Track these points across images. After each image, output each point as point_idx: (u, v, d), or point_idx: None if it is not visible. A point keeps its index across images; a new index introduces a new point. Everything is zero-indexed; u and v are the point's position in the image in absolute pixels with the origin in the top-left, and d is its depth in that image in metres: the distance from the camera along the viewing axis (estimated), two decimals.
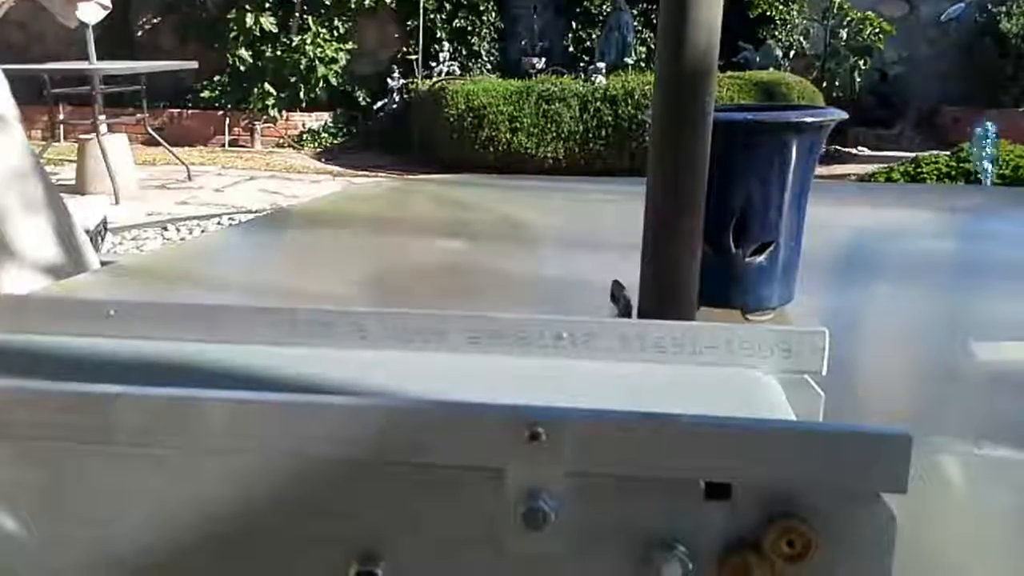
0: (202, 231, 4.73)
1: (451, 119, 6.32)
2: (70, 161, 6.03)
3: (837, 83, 7.22)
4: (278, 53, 7.65)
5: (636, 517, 0.30)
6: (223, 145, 7.81)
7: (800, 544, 0.29)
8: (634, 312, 0.64)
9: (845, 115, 0.73)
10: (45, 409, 0.32)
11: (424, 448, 0.30)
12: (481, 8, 7.58)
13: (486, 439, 0.30)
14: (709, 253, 0.69)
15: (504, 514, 0.30)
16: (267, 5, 7.63)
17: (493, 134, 6.21)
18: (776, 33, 7.24)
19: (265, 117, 7.72)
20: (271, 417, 0.31)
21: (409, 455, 0.30)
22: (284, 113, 7.76)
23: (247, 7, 7.56)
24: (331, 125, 7.82)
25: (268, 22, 7.59)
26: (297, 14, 7.74)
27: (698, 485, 0.30)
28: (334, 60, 7.65)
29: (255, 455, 0.31)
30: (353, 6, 7.64)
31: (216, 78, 7.79)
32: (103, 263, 1.56)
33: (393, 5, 7.70)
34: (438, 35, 7.59)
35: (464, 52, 7.64)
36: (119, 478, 0.32)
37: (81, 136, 5.82)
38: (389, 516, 0.31)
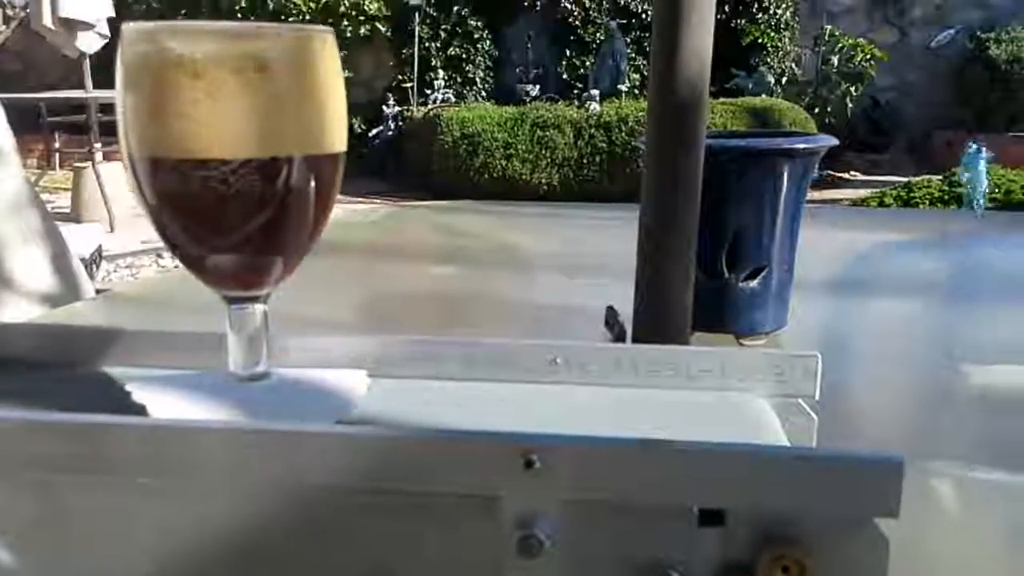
0: None
1: (446, 146, 6.35)
2: (65, 189, 6.03)
3: (829, 109, 7.27)
4: None
5: (631, 544, 0.30)
6: None
7: (794, 569, 0.29)
8: (628, 337, 0.64)
9: (836, 141, 0.74)
10: (42, 440, 0.32)
11: (420, 477, 0.30)
12: (476, 36, 7.64)
13: (481, 467, 0.30)
14: (702, 278, 0.70)
15: (500, 542, 0.30)
16: None
17: (488, 160, 6.24)
18: (768, 60, 7.30)
19: None
20: (270, 446, 0.31)
21: (405, 483, 0.30)
22: None
23: None
24: None
25: None
26: None
27: (692, 511, 0.30)
28: None
29: (254, 484, 0.31)
30: (348, 35, 7.69)
31: None
32: (98, 291, 1.56)
33: (388, 34, 7.76)
34: (433, 63, 7.64)
35: (459, 79, 7.68)
36: (118, 509, 0.32)
37: (77, 164, 5.83)
38: (386, 545, 0.31)
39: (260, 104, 0.37)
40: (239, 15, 7.59)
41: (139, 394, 0.40)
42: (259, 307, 0.41)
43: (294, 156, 0.38)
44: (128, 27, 0.38)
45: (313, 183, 0.39)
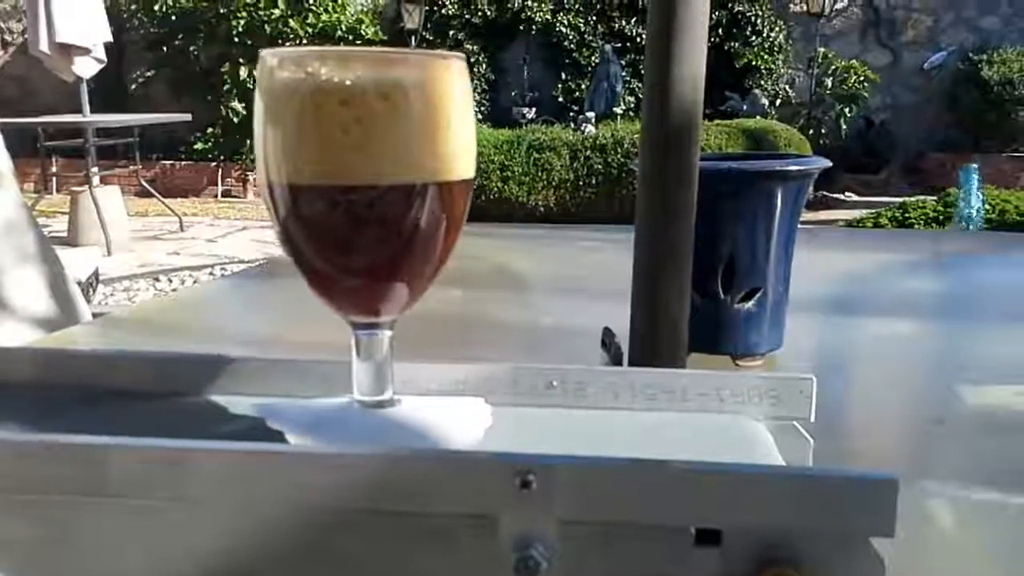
0: (194, 282, 4.73)
1: None
2: (62, 213, 6.04)
3: (824, 130, 7.31)
4: None
5: (628, 564, 0.30)
6: (216, 196, 7.84)
7: None
8: (624, 359, 0.64)
9: (829, 163, 0.75)
10: (38, 462, 0.32)
11: (417, 497, 0.30)
12: (472, 60, 7.70)
13: (478, 487, 0.30)
14: (698, 300, 0.70)
15: (498, 562, 0.30)
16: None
17: (484, 182, 6.26)
18: (762, 82, 7.35)
19: None
20: (266, 467, 0.31)
21: (402, 504, 0.31)
22: None
23: (240, 60, 7.65)
24: None
25: None
26: None
27: (689, 531, 0.30)
28: None
29: (251, 505, 0.31)
30: None
31: (209, 130, 7.85)
32: (95, 315, 1.56)
33: None
34: None
35: None
36: (113, 531, 0.32)
37: (74, 188, 5.84)
38: (383, 565, 0.31)
39: (405, 129, 0.37)
40: (235, 39, 7.64)
41: (272, 421, 0.40)
42: (386, 333, 0.41)
43: (434, 182, 0.38)
44: (271, 54, 0.38)
45: (447, 210, 0.39)
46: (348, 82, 0.36)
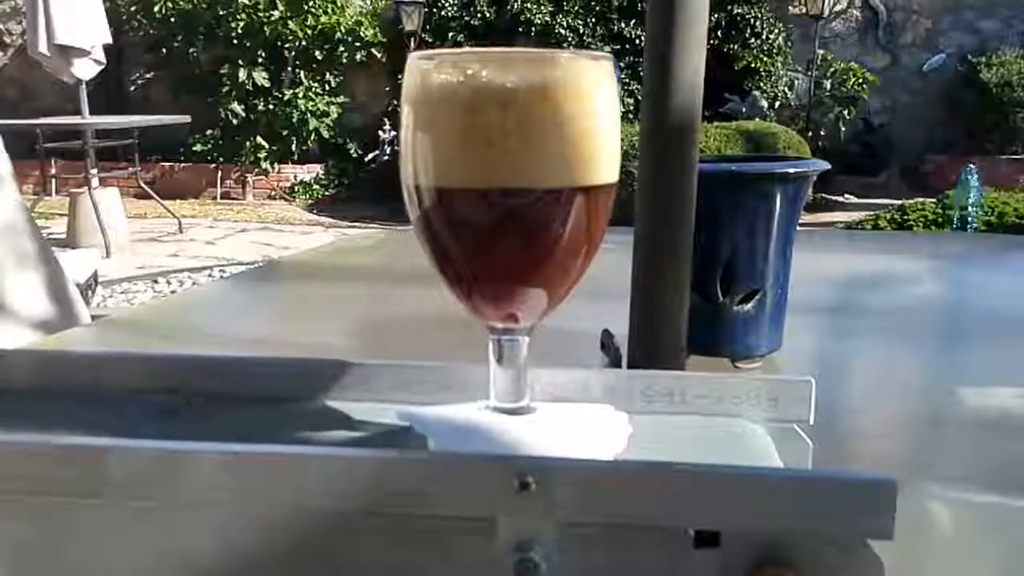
0: (193, 284, 4.73)
1: None
2: (61, 215, 6.04)
3: (822, 132, 7.32)
4: (270, 107, 7.72)
5: (626, 566, 0.30)
6: (215, 197, 7.84)
7: None
8: (624, 361, 0.64)
9: (827, 165, 0.75)
10: (36, 463, 0.32)
11: (415, 499, 0.30)
12: None
13: (476, 489, 0.30)
14: (697, 302, 0.70)
15: (497, 565, 0.30)
16: (259, 60, 7.73)
17: None
18: (761, 84, 7.35)
19: (257, 169, 7.77)
20: (265, 469, 0.31)
21: (401, 506, 0.31)
22: (276, 165, 7.81)
23: (239, 62, 7.66)
24: (322, 177, 7.87)
25: (260, 77, 7.68)
26: (289, 68, 7.83)
27: (688, 533, 0.30)
28: (326, 113, 7.72)
29: (250, 507, 0.31)
30: (344, 60, 7.74)
31: (208, 132, 7.85)
32: (94, 317, 1.56)
33: (384, 59, 7.82)
34: None
35: None
36: (111, 532, 0.32)
37: (73, 190, 5.84)
38: (382, 567, 0.31)
39: (563, 132, 0.36)
40: (234, 41, 7.64)
41: (418, 427, 0.40)
42: (525, 339, 0.40)
43: (584, 186, 0.37)
44: (423, 56, 0.37)
45: (594, 214, 0.38)
46: (509, 84, 0.36)
